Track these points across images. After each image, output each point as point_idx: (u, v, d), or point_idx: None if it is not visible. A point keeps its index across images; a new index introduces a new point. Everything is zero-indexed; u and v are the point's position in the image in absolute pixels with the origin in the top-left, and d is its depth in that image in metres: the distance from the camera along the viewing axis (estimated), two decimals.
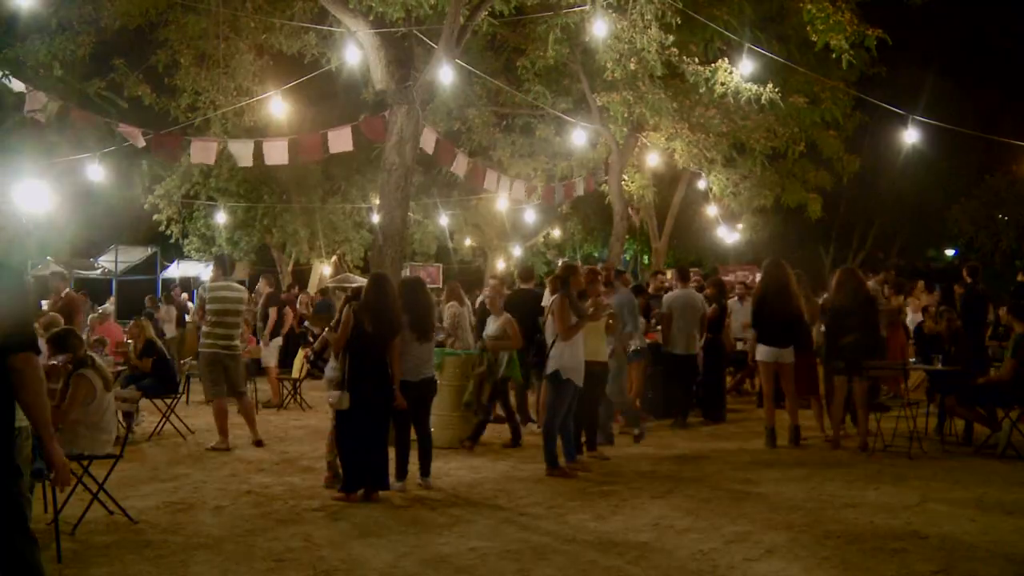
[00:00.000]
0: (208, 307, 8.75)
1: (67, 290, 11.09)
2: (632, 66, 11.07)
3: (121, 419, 7.44)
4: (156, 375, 9.51)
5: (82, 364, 6.10)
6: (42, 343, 8.46)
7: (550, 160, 15.99)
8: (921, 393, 10.67)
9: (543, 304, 10.19)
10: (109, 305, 18.17)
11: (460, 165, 12.84)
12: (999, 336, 11.15)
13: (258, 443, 8.83)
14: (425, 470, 7.09)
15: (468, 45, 11.48)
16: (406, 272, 14.20)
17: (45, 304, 10.60)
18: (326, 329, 7.95)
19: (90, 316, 12.33)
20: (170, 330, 14.98)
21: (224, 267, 9.18)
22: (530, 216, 22.61)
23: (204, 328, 8.89)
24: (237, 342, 9.00)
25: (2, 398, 3.37)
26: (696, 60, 11.41)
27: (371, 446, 6.57)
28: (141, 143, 10.36)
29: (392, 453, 6.87)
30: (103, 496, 5.94)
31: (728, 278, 20.98)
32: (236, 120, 11.97)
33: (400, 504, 6.49)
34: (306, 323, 15.46)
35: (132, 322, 10.56)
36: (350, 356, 6.62)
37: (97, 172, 11.84)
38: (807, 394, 9.53)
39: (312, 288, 22.92)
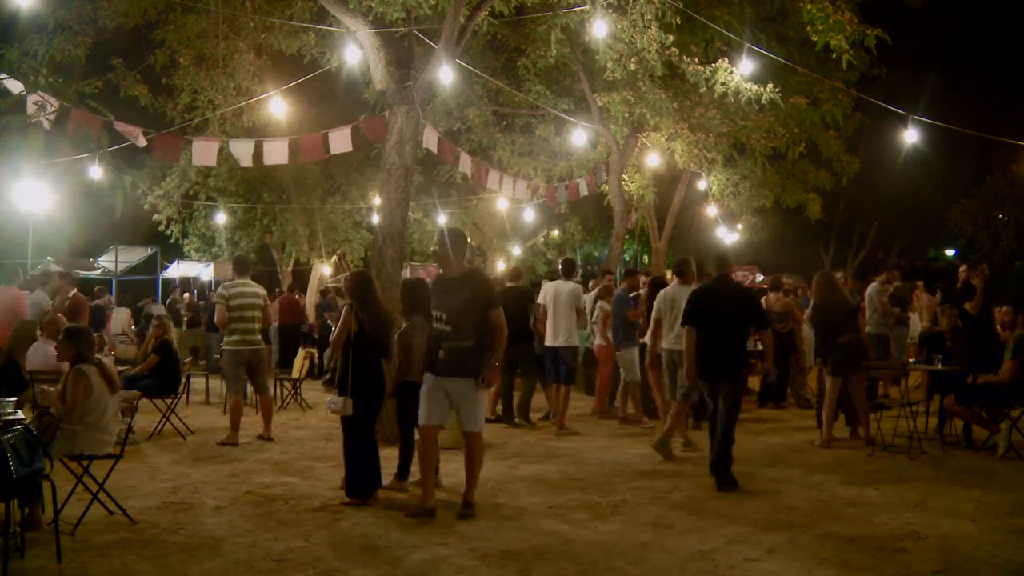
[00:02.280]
0: (230, 304, 8.86)
1: (74, 291, 11.07)
2: (632, 66, 11.07)
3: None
4: (159, 376, 9.53)
5: (84, 361, 6.08)
6: (44, 344, 8.51)
7: (550, 160, 15.99)
8: (921, 393, 10.69)
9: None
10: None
11: (466, 164, 12.86)
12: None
13: (269, 438, 8.98)
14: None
15: (468, 45, 11.48)
16: (406, 272, 14.23)
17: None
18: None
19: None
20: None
21: (242, 267, 9.35)
22: (529, 216, 22.63)
23: (229, 326, 8.97)
24: (259, 337, 9.09)
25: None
26: (696, 60, 11.41)
27: (373, 447, 6.57)
28: (142, 142, 10.35)
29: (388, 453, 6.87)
30: (103, 496, 5.94)
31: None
32: (235, 120, 11.96)
33: (400, 504, 6.48)
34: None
35: (155, 320, 10.60)
36: (352, 358, 6.52)
37: (96, 172, 11.83)
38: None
39: (312, 288, 22.93)
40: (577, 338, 9.97)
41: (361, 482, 6.47)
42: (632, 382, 10.38)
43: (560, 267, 10.68)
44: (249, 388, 9.79)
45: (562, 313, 9.90)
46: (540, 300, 10.23)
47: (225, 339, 9.10)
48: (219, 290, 9.66)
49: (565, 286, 10.03)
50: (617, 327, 10.38)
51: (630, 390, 10.48)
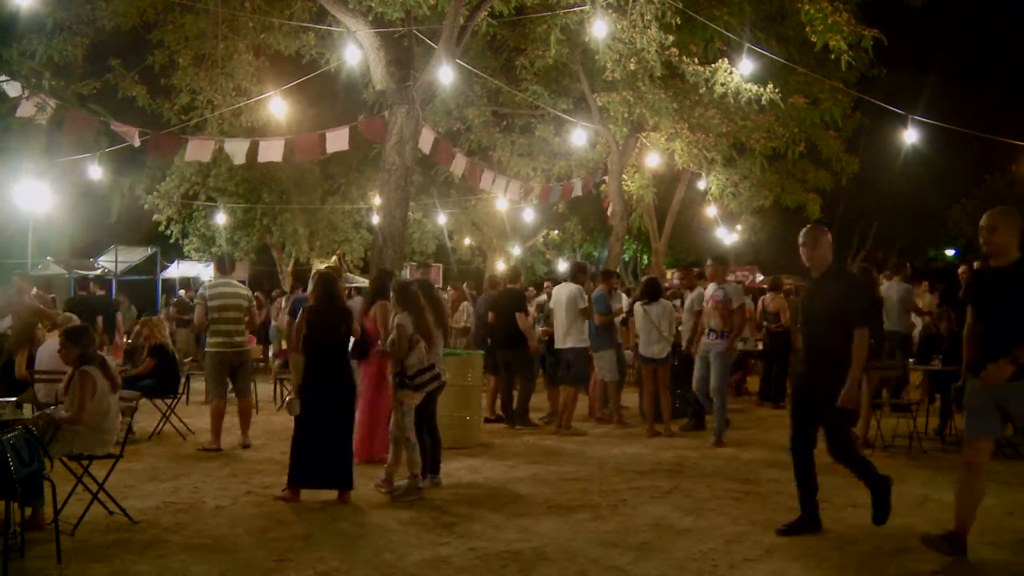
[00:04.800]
0: (209, 304, 8.73)
1: (35, 290, 11.00)
2: (632, 66, 11.07)
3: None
4: (159, 376, 9.52)
5: (88, 361, 6.05)
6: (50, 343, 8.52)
7: (549, 160, 15.99)
8: (921, 393, 10.69)
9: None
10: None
11: (458, 165, 12.85)
12: None
13: (246, 446, 8.79)
14: (435, 468, 7.10)
15: (468, 45, 11.49)
16: (405, 272, 14.22)
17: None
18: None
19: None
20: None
21: (223, 266, 9.19)
22: (529, 216, 22.63)
23: (210, 328, 8.88)
24: (243, 339, 8.91)
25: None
26: (696, 60, 11.41)
27: (333, 446, 6.53)
28: (138, 143, 10.35)
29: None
30: (103, 496, 5.93)
31: (728, 278, 20.98)
32: (234, 121, 11.95)
33: (401, 504, 6.48)
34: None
35: (141, 321, 10.51)
36: (306, 359, 6.59)
37: (96, 173, 11.85)
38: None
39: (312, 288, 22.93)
40: (582, 339, 9.94)
41: (293, 470, 6.51)
42: (610, 383, 10.46)
43: (570, 270, 10.71)
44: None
45: (565, 315, 9.88)
46: (551, 304, 10.25)
47: (208, 341, 8.99)
48: (200, 290, 9.57)
49: (566, 288, 10.02)
50: (592, 328, 10.31)
51: (609, 391, 10.56)
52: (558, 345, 10.00)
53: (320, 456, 6.50)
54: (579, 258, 33.48)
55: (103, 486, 5.90)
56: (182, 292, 23.00)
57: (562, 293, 10.01)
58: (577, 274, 10.29)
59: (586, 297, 10.03)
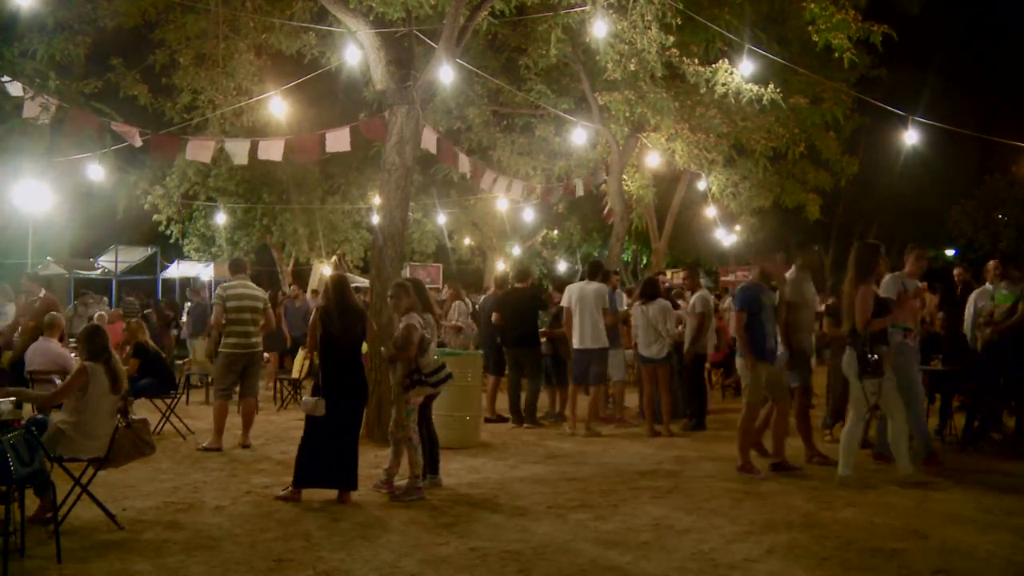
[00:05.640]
0: (227, 305, 8.73)
1: (43, 292, 11.02)
2: (633, 67, 11.06)
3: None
4: (154, 375, 9.51)
5: (96, 357, 6.02)
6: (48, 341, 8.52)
7: (549, 160, 15.99)
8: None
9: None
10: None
11: (464, 165, 12.86)
12: None
13: (245, 446, 8.79)
14: (434, 468, 7.10)
15: (468, 45, 11.48)
16: (405, 272, 14.24)
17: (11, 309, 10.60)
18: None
19: (97, 314, 12.34)
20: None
21: (236, 268, 9.28)
22: (529, 216, 22.66)
23: (226, 328, 8.88)
24: (256, 340, 8.92)
25: None
26: (697, 61, 11.41)
27: (341, 447, 6.55)
28: (138, 143, 10.34)
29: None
30: (95, 496, 5.87)
31: (728, 278, 21.03)
32: (235, 120, 11.95)
33: (401, 504, 6.48)
34: None
35: (125, 324, 10.56)
36: (321, 359, 6.64)
37: (97, 172, 11.85)
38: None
39: (310, 288, 22.97)
40: (605, 339, 9.87)
41: (300, 471, 6.55)
42: (619, 382, 10.59)
43: (587, 269, 10.66)
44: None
45: (588, 315, 9.77)
46: (564, 303, 10.14)
47: (223, 341, 9.00)
48: (217, 290, 9.60)
49: (589, 287, 9.86)
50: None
51: (616, 390, 10.70)
52: (576, 345, 9.80)
53: (328, 455, 6.52)
54: (578, 258, 33.51)
55: (86, 488, 5.73)
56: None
57: (584, 291, 9.85)
58: (596, 272, 10.21)
59: (605, 298, 9.97)
